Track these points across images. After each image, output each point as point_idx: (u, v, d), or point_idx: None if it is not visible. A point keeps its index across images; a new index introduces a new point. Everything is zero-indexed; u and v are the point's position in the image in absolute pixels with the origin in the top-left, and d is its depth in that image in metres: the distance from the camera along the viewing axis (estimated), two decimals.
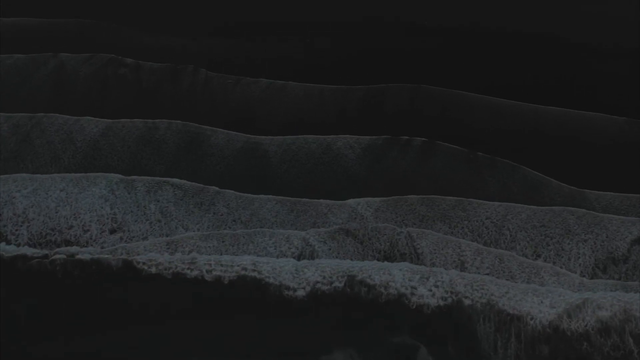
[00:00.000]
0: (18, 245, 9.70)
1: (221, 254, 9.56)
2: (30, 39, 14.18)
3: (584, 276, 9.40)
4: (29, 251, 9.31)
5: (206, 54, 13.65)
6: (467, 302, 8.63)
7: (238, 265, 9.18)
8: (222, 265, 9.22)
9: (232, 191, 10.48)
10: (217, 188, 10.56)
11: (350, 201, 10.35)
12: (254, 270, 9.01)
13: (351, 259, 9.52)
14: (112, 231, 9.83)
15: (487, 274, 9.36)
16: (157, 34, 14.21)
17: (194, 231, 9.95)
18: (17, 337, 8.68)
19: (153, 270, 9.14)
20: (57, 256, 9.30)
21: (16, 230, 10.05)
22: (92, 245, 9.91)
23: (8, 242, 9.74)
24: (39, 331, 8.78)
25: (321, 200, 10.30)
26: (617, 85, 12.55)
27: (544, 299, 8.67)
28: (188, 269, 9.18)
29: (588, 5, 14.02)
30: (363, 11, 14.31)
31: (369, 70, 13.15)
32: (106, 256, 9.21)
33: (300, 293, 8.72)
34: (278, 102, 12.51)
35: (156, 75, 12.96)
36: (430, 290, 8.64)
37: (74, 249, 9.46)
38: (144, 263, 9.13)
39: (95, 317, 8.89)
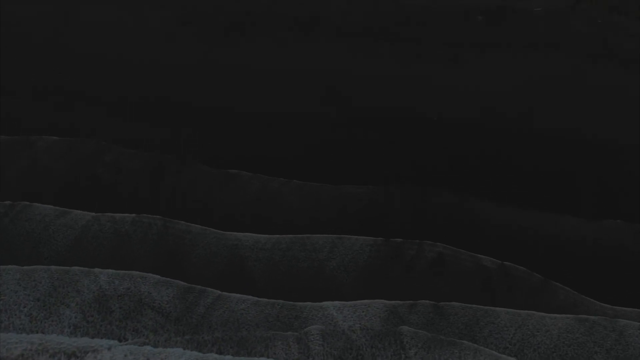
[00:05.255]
0: None
1: None
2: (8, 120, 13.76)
3: None
4: None
5: (193, 144, 13.13)
6: None
7: None
8: None
9: (220, 310, 9.80)
10: (205, 301, 9.89)
11: (343, 322, 9.66)
12: None
13: None
14: None
15: None
16: (141, 121, 13.72)
17: None
18: None
19: None
20: None
21: None
22: None
23: None
24: None
25: (315, 328, 9.64)
26: (633, 186, 11.95)
27: None
28: None
29: (599, 98, 13.50)
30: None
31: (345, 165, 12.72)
32: None
33: None
34: (274, 201, 11.87)
35: (137, 174, 12.35)
36: None
37: None
38: None
39: None
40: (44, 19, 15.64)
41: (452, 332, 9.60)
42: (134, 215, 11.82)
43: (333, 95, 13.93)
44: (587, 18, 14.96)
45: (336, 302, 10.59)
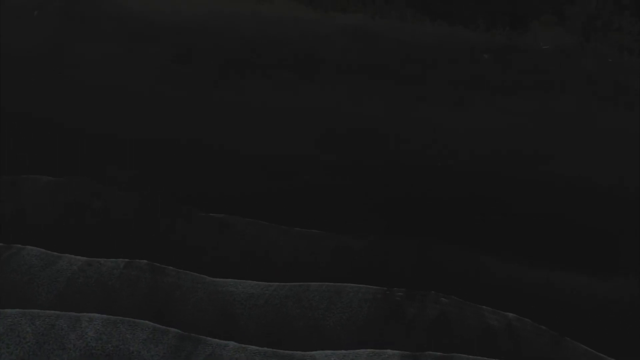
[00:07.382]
0: None
1: None
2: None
3: None
4: None
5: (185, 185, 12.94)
6: None
7: None
8: None
9: None
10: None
11: None
12: None
13: None
14: None
15: None
16: (134, 160, 13.52)
17: None
18: None
19: None
20: None
21: None
22: None
23: None
24: None
25: None
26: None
27: None
28: None
29: (609, 142, 13.25)
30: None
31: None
32: None
33: None
34: (272, 248, 11.59)
35: (128, 217, 12.11)
36: None
37: None
38: None
39: None
40: (40, 54, 15.57)
41: None
42: (122, 264, 11.53)
43: (332, 138, 13.74)
44: (597, 57, 14.67)
45: (330, 354, 10.26)
